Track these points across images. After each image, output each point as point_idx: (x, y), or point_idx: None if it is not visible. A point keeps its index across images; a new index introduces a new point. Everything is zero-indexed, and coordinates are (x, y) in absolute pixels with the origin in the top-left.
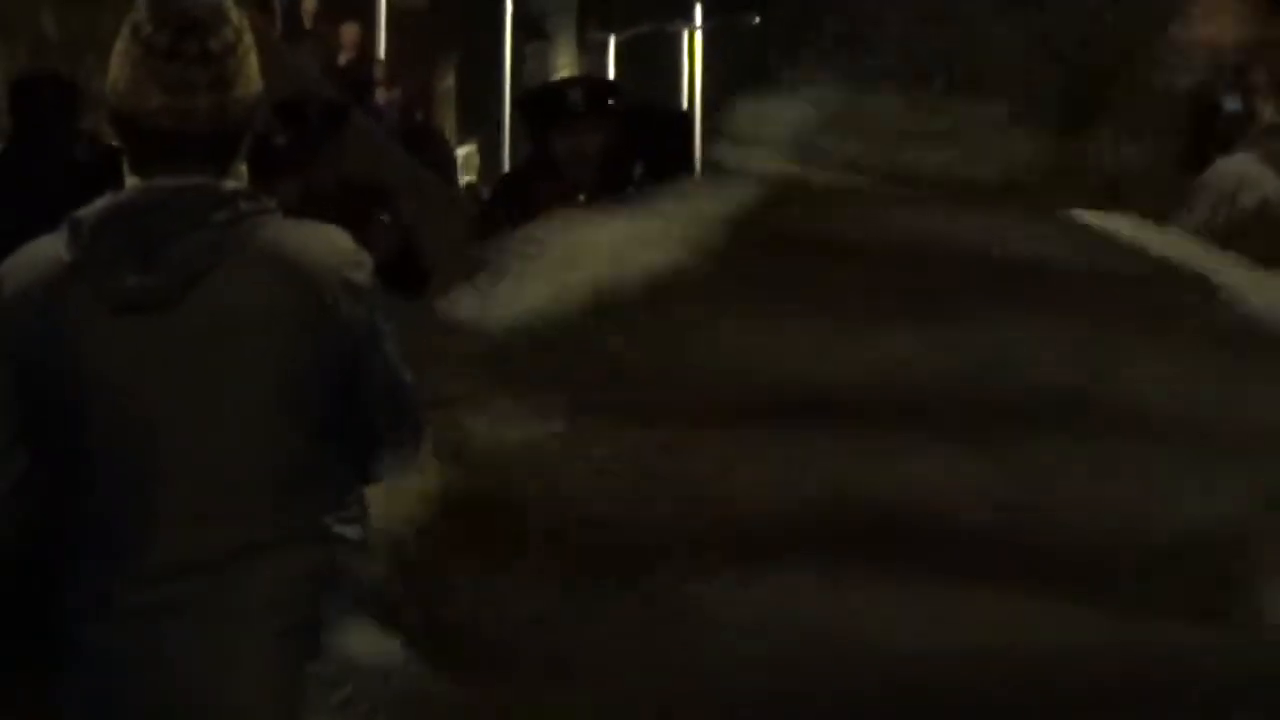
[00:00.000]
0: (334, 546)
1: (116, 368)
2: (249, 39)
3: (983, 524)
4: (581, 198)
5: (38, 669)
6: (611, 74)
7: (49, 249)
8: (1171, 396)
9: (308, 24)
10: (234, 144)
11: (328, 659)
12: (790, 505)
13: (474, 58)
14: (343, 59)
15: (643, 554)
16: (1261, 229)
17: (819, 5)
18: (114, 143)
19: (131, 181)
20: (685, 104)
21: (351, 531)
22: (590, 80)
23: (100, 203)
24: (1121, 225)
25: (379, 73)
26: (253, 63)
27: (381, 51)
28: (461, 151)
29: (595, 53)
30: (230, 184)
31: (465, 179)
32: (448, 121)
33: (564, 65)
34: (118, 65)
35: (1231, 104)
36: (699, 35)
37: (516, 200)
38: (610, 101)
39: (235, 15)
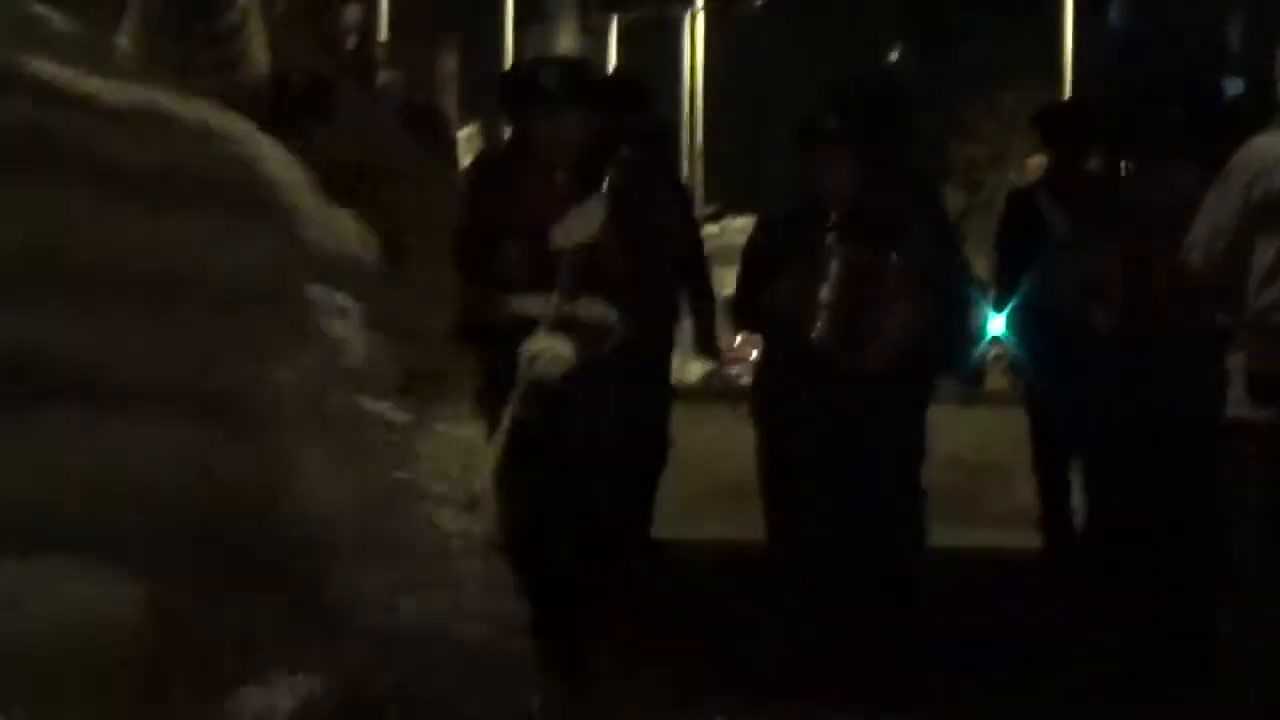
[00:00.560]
0: None
1: None
2: (255, 21)
3: None
4: (560, 178)
5: None
6: (614, 56)
7: None
8: None
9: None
10: None
11: None
12: None
13: (476, 40)
14: (345, 41)
15: None
16: None
17: None
18: None
19: None
20: (687, 86)
21: None
22: (563, 60)
23: None
24: None
25: (381, 54)
26: (259, 44)
27: (383, 33)
28: (463, 133)
29: (597, 35)
30: None
31: (467, 160)
32: (450, 103)
33: (566, 48)
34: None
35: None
36: (701, 18)
37: (497, 182)
38: (585, 81)
39: None
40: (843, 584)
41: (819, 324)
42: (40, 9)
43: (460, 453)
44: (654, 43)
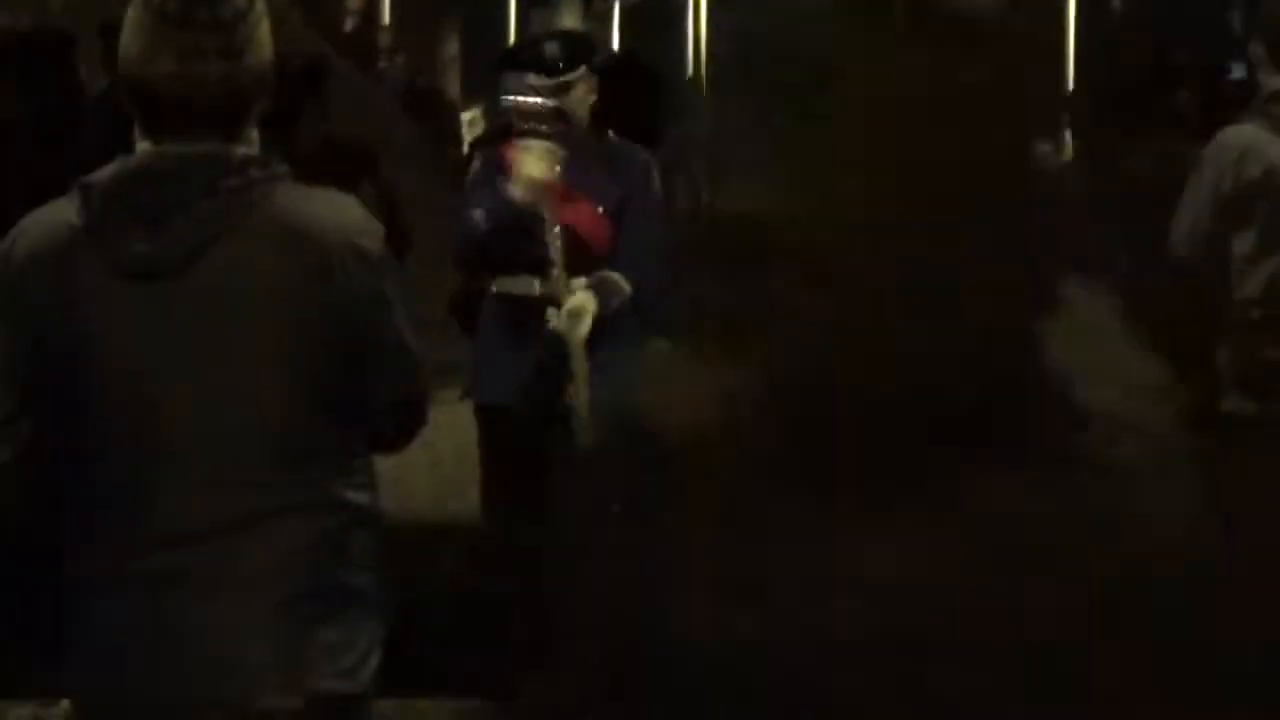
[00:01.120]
0: (340, 514)
1: (123, 335)
2: (260, 6)
3: None
4: (561, 152)
5: (48, 641)
6: (617, 37)
7: (60, 214)
8: None
9: None
10: (245, 111)
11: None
12: None
13: (478, 22)
14: (348, 25)
15: None
16: (1267, 197)
17: None
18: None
19: (142, 146)
20: (691, 67)
21: (360, 498)
22: (567, 34)
23: (110, 168)
24: None
25: (383, 38)
26: (265, 30)
27: (386, 17)
28: (466, 116)
29: (600, 16)
30: (241, 150)
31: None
32: (452, 86)
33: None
34: (129, 32)
35: (1238, 71)
36: (704, 1)
37: (497, 153)
38: (589, 56)
39: None
40: None
41: None
42: None
43: None
44: (657, 23)
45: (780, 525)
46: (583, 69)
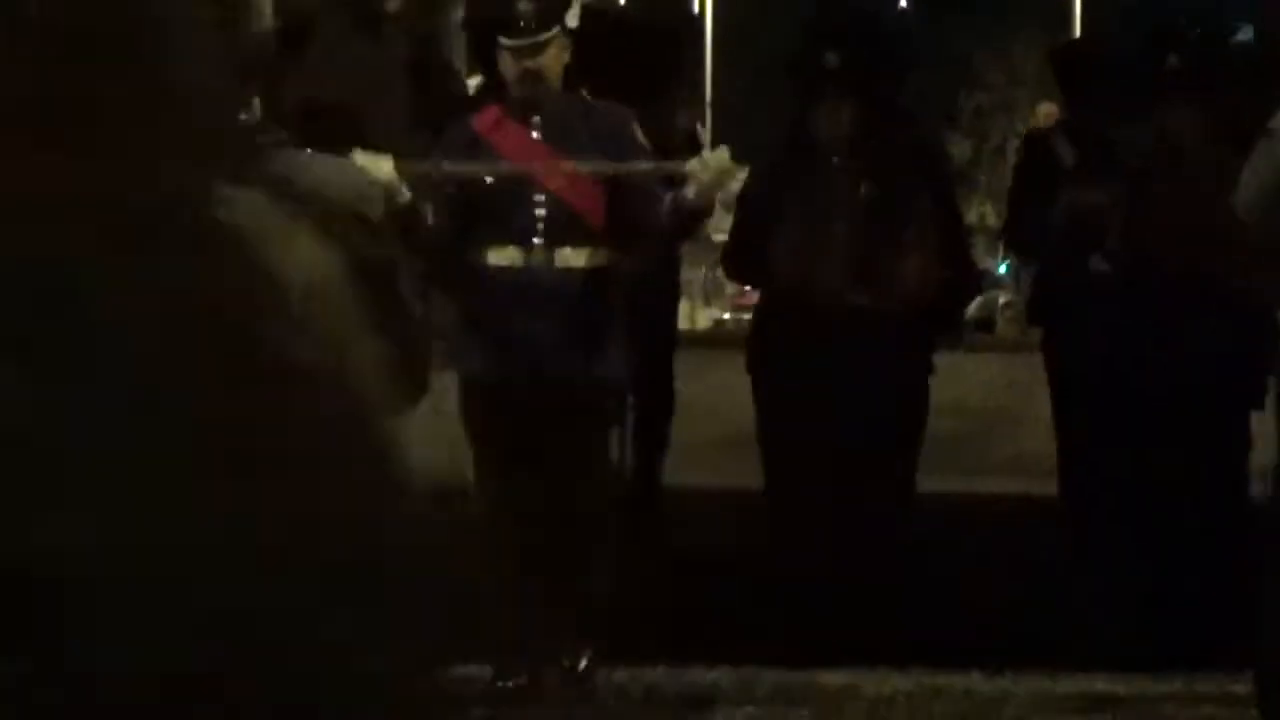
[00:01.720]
0: None
1: None
2: None
3: None
4: (536, 118)
5: None
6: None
7: None
8: None
9: None
10: (245, 79)
11: None
12: None
13: None
14: None
15: None
16: None
17: None
18: None
19: None
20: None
21: None
22: None
23: None
24: None
25: (390, 5)
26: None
27: None
28: (472, 83)
29: None
30: (241, 117)
31: None
32: (458, 54)
33: None
34: None
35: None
36: None
37: (474, 122)
38: (561, 15)
39: None
40: (840, 533)
41: (826, 266)
42: None
43: None
44: None
45: None
46: (556, 29)
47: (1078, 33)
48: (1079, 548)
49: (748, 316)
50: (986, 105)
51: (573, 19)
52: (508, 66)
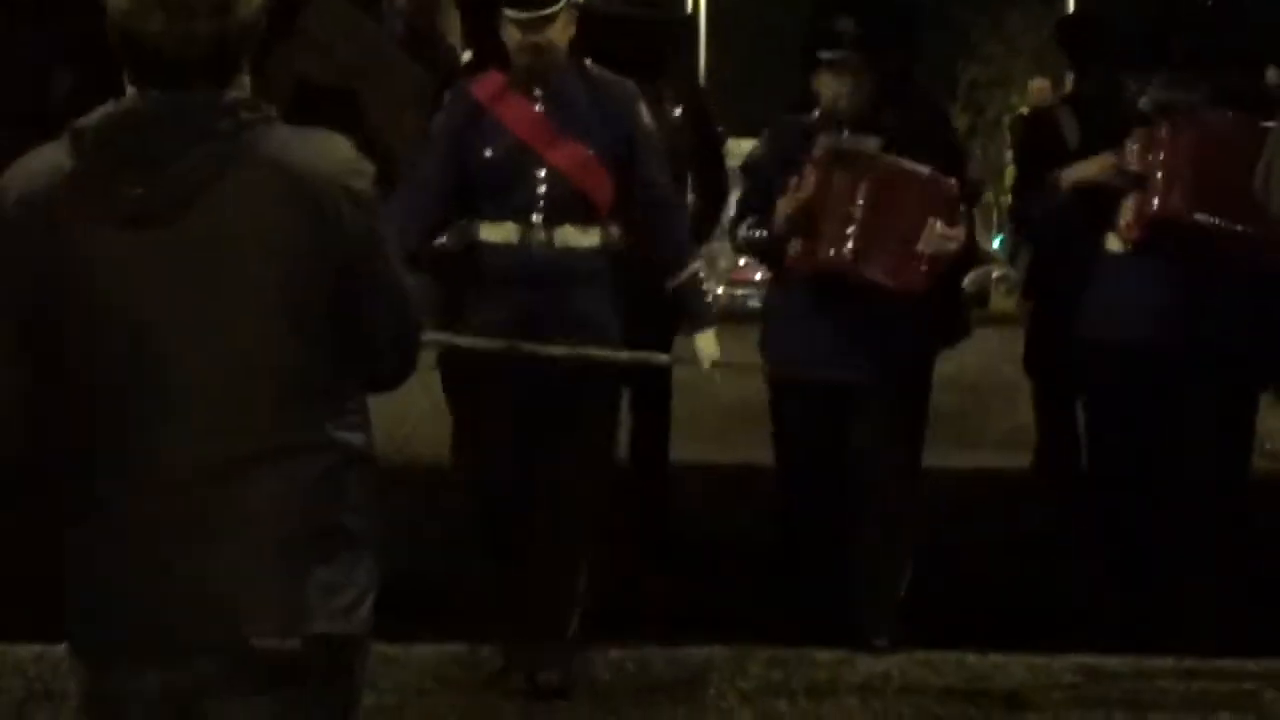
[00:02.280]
0: (337, 454)
1: (120, 280)
2: None
3: None
4: (538, 91)
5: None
6: None
7: (51, 158)
8: None
9: None
10: (236, 60)
11: (331, 566)
12: None
13: None
14: None
15: None
16: None
17: None
18: None
19: (131, 91)
20: (690, 10)
21: (354, 438)
22: None
23: (101, 111)
24: None
25: None
26: None
27: None
28: (466, 57)
29: None
30: (232, 94)
31: None
32: (453, 29)
33: None
34: None
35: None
36: None
37: (471, 93)
38: None
39: None
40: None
41: (837, 237)
42: None
43: None
44: None
45: None
46: (562, 1)
47: (1073, 5)
48: (1064, 522)
49: (742, 292)
50: (983, 78)
51: None
52: (513, 39)
